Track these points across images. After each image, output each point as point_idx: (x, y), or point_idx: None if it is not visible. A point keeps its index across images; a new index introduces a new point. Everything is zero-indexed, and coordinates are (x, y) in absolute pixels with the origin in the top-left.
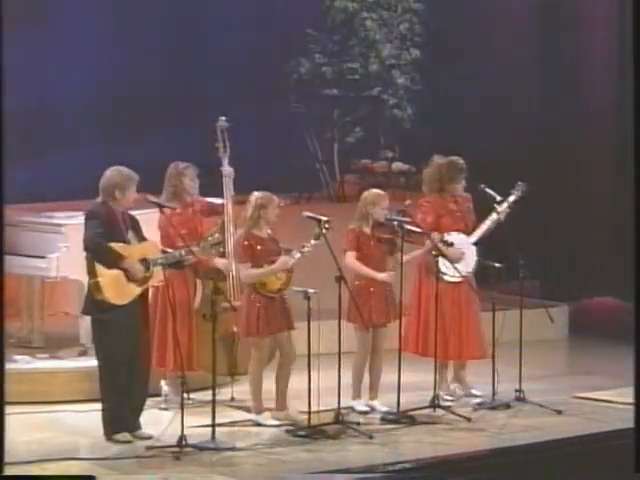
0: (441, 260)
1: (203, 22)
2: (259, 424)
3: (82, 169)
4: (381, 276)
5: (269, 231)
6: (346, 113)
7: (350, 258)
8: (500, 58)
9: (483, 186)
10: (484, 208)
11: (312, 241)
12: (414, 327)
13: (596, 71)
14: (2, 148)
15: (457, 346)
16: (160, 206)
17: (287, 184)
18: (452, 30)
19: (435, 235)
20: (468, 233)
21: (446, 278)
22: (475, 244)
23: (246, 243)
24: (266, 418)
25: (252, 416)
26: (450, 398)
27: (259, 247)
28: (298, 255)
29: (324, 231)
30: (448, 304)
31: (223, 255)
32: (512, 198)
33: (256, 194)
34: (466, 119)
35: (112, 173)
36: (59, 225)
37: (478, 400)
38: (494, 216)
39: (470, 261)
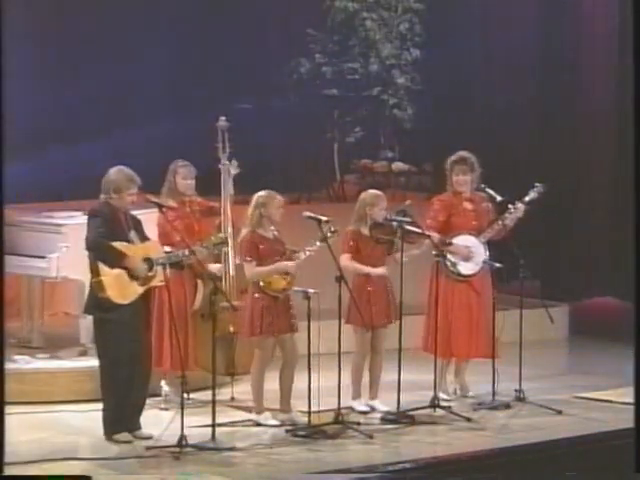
0: (452, 258)
1: (203, 22)
2: (259, 424)
3: (82, 169)
4: (376, 271)
5: (275, 232)
6: (346, 113)
7: (344, 260)
8: (500, 58)
9: (483, 186)
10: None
11: (317, 243)
12: (433, 327)
13: (596, 71)
14: (2, 148)
15: (473, 344)
16: (159, 205)
17: (287, 184)
18: (452, 30)
19: (434, 235)
20: (482, 232)
21: (458, 273)
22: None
23: (250, 242)
24: (266, 418)
25: (252, 416)
26: (447, 397)
27: (262, 246)
28: (303, 256)
29: (329, 235)
30: (463, 302)
31: (218, 259)
32: (528, 198)
33: (259, 193)
34: (466, 119)
35: (112, 172)
36: (59, 225)
37: (478, 400)
38: (510, 215)
39: (479, 260)
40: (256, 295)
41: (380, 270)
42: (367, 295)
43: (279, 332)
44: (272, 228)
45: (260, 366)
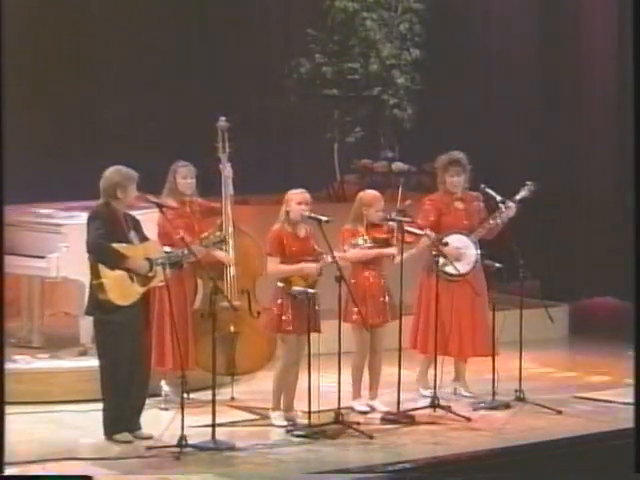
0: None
1: (203, 22)
2: (267, 418)
3: (83, 169)
4: (388, 251)
5: (308, 231)
6: (346, 113)
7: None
8: (500, 58)
9: (483, 186)
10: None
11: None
12: (424, 326)
13: (596, 71)
14: (2, 148)
15: (466, 343)
16: (159, 205)
17: (287, 184)
18: (452, 30)
19: (432, 234)
20: (474, 231)
21: (449, 273)
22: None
23: (275, 238)
24: (277, 417)
25: (269, 412)
26: (426, 394)
27: (288, 244)
28: (329, 260)
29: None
30: (454, 301)
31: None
32: (518, 197)
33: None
34: (466, 119)
35: (112, 173)
36: (59, 225)
37: (478, 400)
38: (501, 214)
39: (471, 260)
40: (275, 293)
41: (391, 250)
42: (363, 294)
43: (298, 331)
44: (305, 227)
45: (282, 363)
